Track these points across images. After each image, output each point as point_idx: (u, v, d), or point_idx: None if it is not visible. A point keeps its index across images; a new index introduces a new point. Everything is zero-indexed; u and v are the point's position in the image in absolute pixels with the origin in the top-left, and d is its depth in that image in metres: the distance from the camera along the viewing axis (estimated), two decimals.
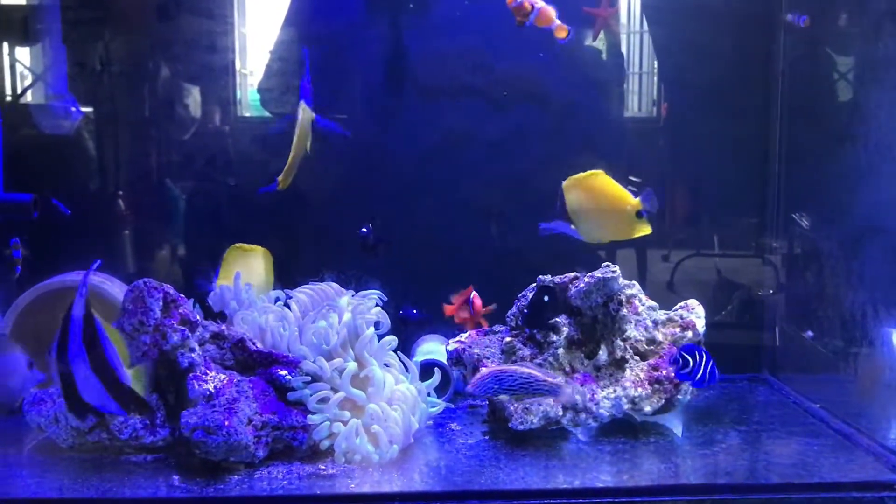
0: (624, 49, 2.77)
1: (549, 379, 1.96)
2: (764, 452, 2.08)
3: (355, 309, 2.12)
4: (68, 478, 1.90)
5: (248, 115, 2.74)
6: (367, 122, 2.70)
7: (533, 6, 2.22)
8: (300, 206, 2.65)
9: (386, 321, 2.18)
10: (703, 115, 2.72)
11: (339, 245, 2.53)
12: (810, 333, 2.07)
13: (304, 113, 2.35)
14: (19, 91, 2.62)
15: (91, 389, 1.70)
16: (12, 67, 2.60)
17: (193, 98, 2.66)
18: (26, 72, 2.62)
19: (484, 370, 1.99)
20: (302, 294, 2.29)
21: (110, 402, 1.72)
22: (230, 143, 2.70)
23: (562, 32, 2.25)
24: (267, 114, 2.72)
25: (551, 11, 2.24)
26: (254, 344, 2.10)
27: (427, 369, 2.29)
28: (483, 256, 2.68)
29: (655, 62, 2.81)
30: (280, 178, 2.36)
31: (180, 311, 2.04)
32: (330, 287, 2.31)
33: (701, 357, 2.04)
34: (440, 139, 2.68)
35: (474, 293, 2.38)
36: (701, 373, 2.02)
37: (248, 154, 2.69)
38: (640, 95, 2.87)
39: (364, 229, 2.38)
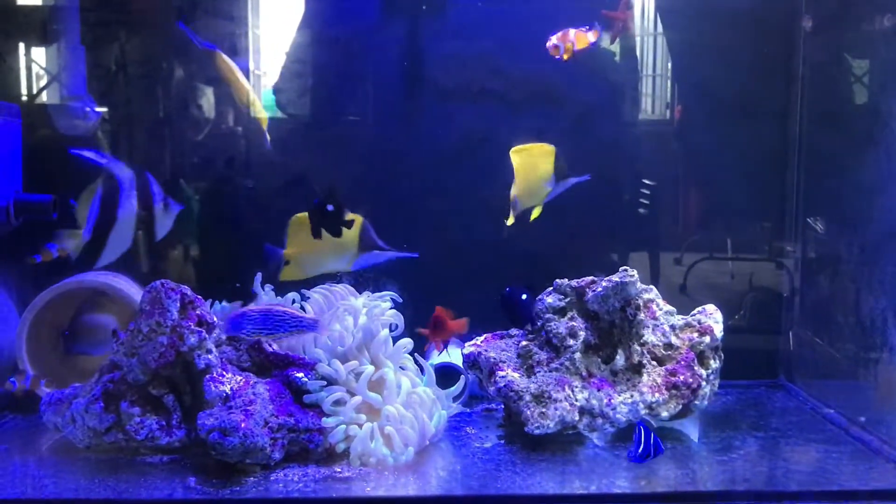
0: (638, 52, 2.76)
1: (306, 315, 1.97)
2: (782, 459, 2.07)
3: (370, 311, 2.11)
4: (84, 478, 1.90)
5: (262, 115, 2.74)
6: (383, 124, 2.70)
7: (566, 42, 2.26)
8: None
9: (401, 323, 2.18)
10: (719, 118, 2.71)
11: None
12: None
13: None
14: (37, 91, 2.62)
15: None
16: (30, 68, 2.61)
17: (208, 99, 2.67)
18: (44, 72, 2.62)
19: (237, 311, 1.98)
20: (317, 295, 2.29)
21: None
22: (244, 143, 2.70)
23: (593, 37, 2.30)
24: (281, 115, 2.73)
25: (582, 36, 2.29)
26: (270, 346, 2.10)
27: (442, 372, 2.28)
28: (500, 259, 2.67)
29: (670, 64, 2.80)
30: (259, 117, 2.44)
31: (198, 312, 2.04)
32: (345, 288, 2.31)
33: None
34: (457, 142, 2.67)
35: (437, 312, 2.25)
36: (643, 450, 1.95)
37: (263, 155, 2.69)
38: (653, 98, 2.86)
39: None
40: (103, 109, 2.60)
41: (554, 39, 2.27)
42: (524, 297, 2.23)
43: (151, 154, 2.69)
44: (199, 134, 2.67)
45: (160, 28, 2.62)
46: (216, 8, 2.64)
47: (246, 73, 2.63)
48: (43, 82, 2.62)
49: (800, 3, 2.65)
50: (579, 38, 2.26)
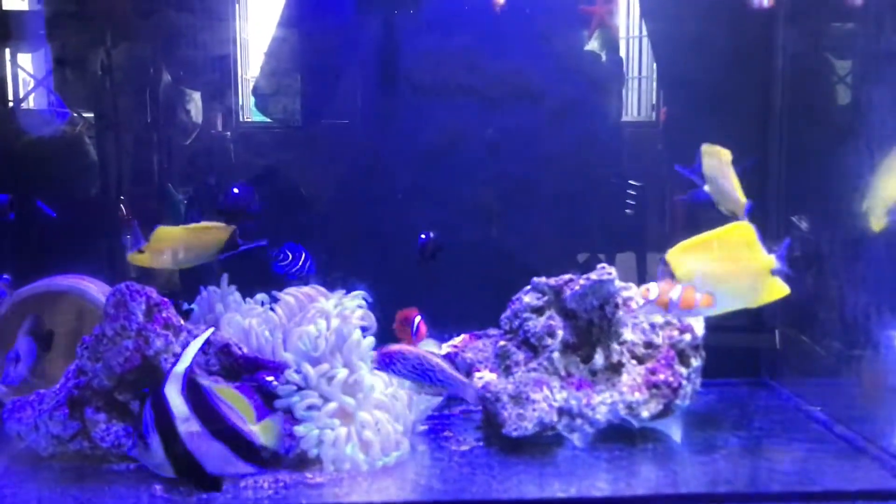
0: (623, 53, 2.73)
1: (456, 376, 1.87)
2: (765, 459, 2.03)
3: (342, 313, 2.06)
4: (47, 488, 1.85)
5: (249, 120, 2.72)
6: (361, 122, 2.66)
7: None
8: (293, 207, 2.61)
9: (373, 323, 2.13)
10: (702, 116, 2.67)
11: (326, 247, 2.48)
12: None
13: None
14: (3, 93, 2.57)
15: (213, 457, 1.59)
16: None
17: (195, 103, 2.63)
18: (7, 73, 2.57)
19: (394, 347, 1.87)
20: (289, 297, 2.24)
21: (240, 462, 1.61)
22: (231, 148, 2.66)
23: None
24: (266, 119, 2.69)
25: None
26: (239, 349, 2.05)
27: None
28: (478, 258, 2.63)
29: (654, 66, 2.77)
30: None
31: (164, 315, 1.98)
32: (316, 290, 2.25)
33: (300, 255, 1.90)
34: (436, 140, 2.64)
35: (419, 319, 2.23)
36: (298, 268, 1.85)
37: (249, 159, 2.65)
38: (639, 99, 2.84)
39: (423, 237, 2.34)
40: (89, 115, 2.55)
41: None
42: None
43: (136, 158, 2.65)
44: (186, 138, 2.63)
45: (142, 29, 2.58)
46: (203, 11, 2.60)
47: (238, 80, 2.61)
48: (8, 83, 2.57)
49: None
50: None
